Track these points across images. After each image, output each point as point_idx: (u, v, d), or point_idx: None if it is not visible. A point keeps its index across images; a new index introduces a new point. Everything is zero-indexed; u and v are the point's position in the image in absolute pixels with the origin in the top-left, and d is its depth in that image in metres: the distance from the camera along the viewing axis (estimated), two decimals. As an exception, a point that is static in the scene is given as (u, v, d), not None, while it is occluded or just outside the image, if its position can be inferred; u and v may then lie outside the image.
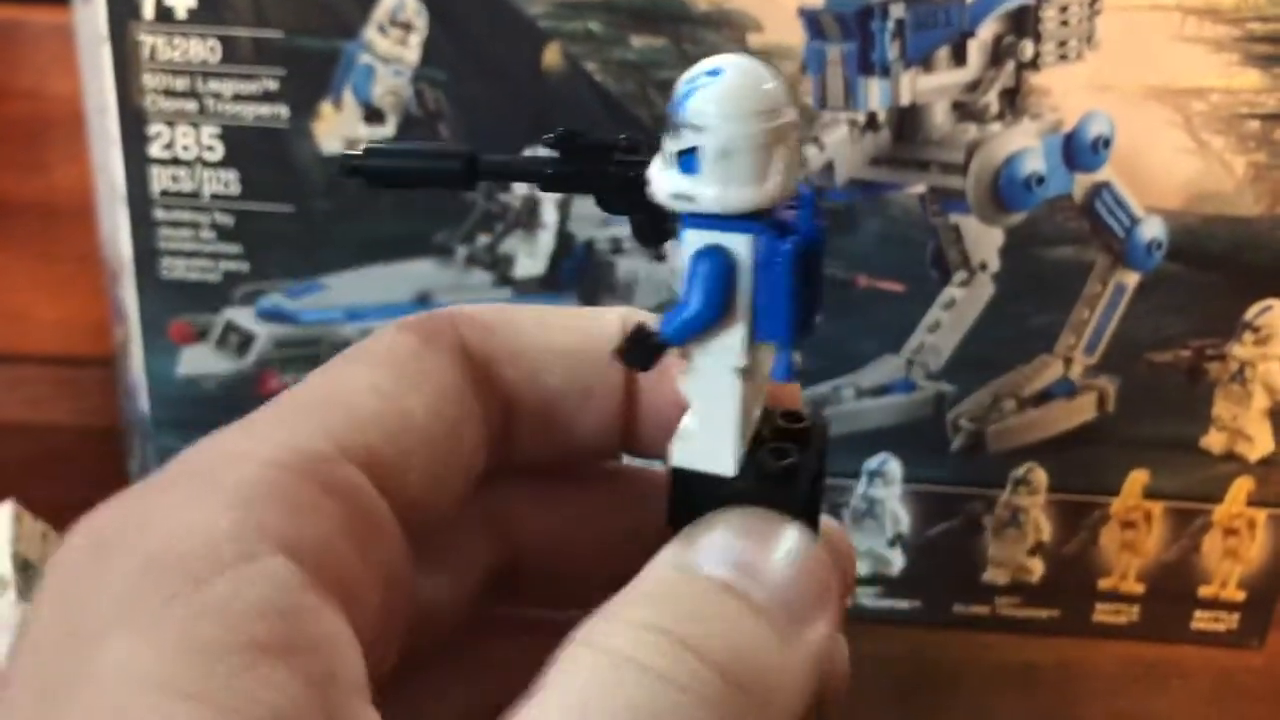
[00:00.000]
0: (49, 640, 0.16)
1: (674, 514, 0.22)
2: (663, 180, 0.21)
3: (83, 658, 0.15)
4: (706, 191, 0.20)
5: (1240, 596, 0.46)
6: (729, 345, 0.21)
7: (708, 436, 0.22)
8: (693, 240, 0.21)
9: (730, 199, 0.20)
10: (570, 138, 0.22)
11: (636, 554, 0.20)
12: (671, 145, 0.20)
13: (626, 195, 0.22)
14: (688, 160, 0.20)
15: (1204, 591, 0.46)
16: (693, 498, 0.22)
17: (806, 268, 0.20)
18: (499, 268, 0.43)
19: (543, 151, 0.23)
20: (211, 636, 0.15)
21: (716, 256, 0.21)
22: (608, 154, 0.22)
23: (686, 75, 0.21)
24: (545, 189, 0.23)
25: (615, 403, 0.23)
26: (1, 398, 0.60)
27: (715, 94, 0.20)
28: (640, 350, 0.21)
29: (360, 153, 0.23)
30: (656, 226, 0.22)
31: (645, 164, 0.22)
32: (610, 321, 0.23)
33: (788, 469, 0.22)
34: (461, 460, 0.21)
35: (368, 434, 0.19)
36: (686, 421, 0.22)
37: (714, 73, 0.20)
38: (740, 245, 0.21)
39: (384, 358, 0.21)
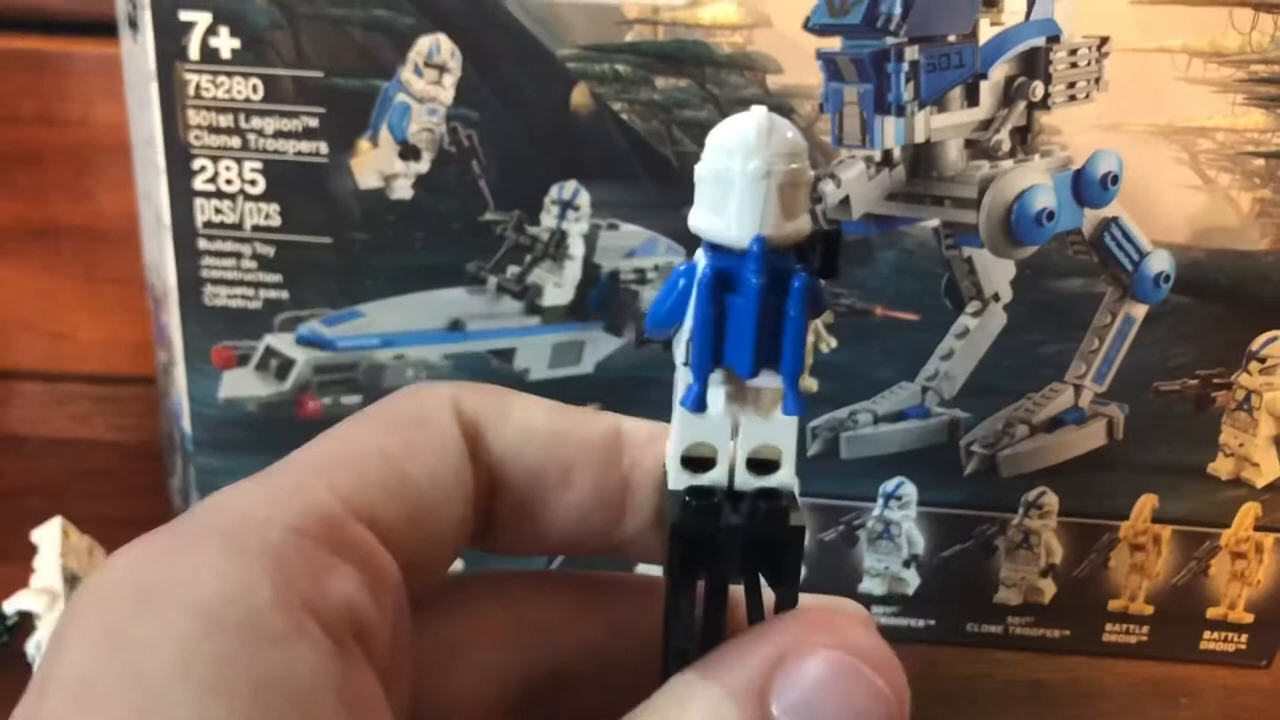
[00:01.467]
0: (105, 676, 0.17)
1: (670, 567, 0.23)
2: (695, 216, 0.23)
3: (148, 706, 0.16)
4: (697, 214, 0.22)
5: (1248, 618, 0.47)
6: (678, 355, 0.23)
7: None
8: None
9: (694, 219, 0.22)
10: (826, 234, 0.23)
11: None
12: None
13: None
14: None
15: (1212, 613, 0.47)
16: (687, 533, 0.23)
17: (727, 305, 0.22)
18: (528, 296, 0.45)
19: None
20: (274, 703, 0.16)
21: (687, 268, 0.22)
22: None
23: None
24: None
25: (598, 486, 0.23)
26: (46, 414, 0.63)
27: (719, 125, 0.22)
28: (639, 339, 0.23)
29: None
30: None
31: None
32: (599, 418, 0.24)
33: (780, 511, 0.22)
34: (452, 526, 0.22)
35: (372, 495, 0.20)
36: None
37: (741, 114, 0.22)
38: (701, 265, 0.22)
39: (389, 424, 0.22)
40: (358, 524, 0.20)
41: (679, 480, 0.23)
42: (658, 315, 0.22)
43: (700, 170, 0.22)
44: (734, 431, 0.23)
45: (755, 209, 0.21)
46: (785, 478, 0.24)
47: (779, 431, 0.24)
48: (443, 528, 0.22)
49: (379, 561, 0.20)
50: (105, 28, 0.48)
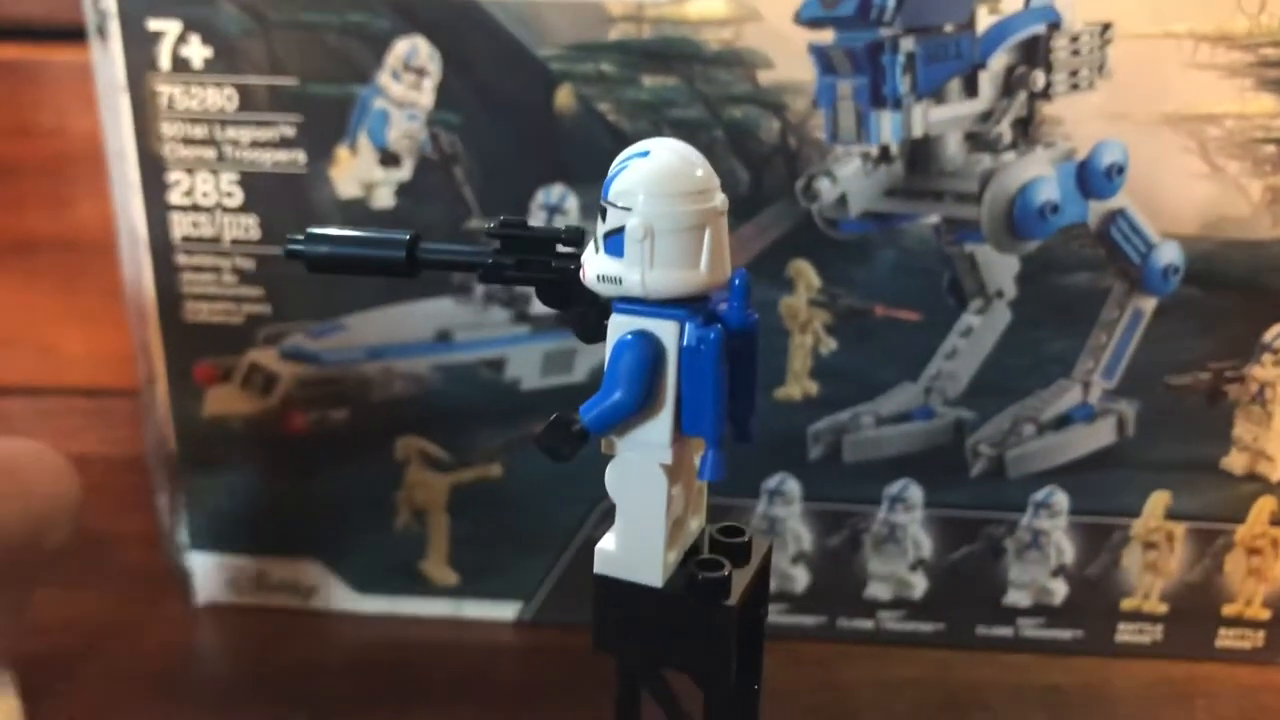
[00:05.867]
0: None
1: (599, 629, 0.21)
2: (591, 264, 0.20)
3: None
4: (631, 274, 0.20)
5: (1265, 614, 0.46)
6: (654, 439, 0.20)
7: (634, 543, 0.20)
8: (619, 325, 0.20)
9: (654, 282, 0.20)
10: (509, 227, 0.22)
11: None
12: (601, 227, 0.20)
13: (564, 289, 0.21)
14: (614, 242, 0.20)
15: (1228, 610, 0.46)
16: (619, 613, 0.21)
17: (736, 359, 0.20)
18: (515, 305, 0.43)
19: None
20: None
21: (641, 342, 0.20)
22: (548, 246, 0.22)
23: (619, 156, 0.20)
24: (484, 280, 0.23)
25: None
26: (33, 429, 0.61)
27: (642, 173, 0.20)
28: (559, 439, 0.20)
29: (302, 238, 0.23)
30: (597, 322, 0.21)
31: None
32: None
33: (717, 582, 0.20)
34: None
35: None
36: (613, 528, 0.21)
37: (643, 154, 0.20)
38: (666, 332, 0.20)
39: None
40: None
41: (671, 566, 0.21)
42: (631, 407, 0.20)
43: (643, 225, 0.19)
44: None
45: (725, 245, 0.20)
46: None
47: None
48: None
49: None
50: (77, 34, 0.46)
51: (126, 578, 0.51)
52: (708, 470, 0.20)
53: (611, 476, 0.21)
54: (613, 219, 0.20)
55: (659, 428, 0.20)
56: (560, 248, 0.22)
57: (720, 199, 0.20)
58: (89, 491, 0.58)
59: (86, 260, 0.58)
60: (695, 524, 0.22)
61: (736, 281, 0.20)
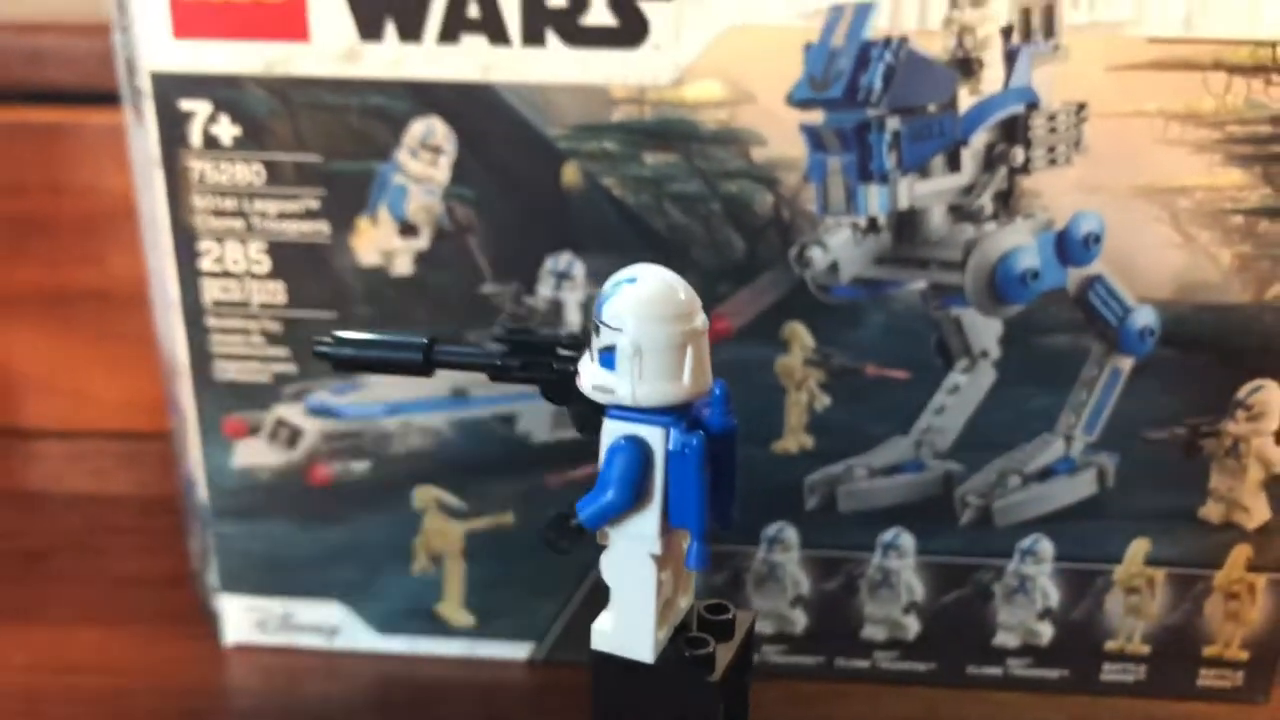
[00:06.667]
0: None
1: (597, 704, 0.23)
2: (588, 374, 0.23)
3: None
4: (622, 386, 0.22)
5: (1244, 655, 0.48)
6: (644, 531, 0.23)
7: (627, 622, 0.23)
8: (611, 430, 0.23)
9: (643, 394, 0.22)
10: (516, 334, 0.25)
11: None
12: (596, 343, 0.23)
13: (564, 388, 0.24)
14: (607, 357, 0.22)
15: (1208, 651, 0.48)
16: (614, 686, 0.23)
17: (717, 458, 0.22)
18: (528, 364, 0.46)
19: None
20: None
21: (632, 447, 0.22)
22: (551, 350, 0.24)
23: (610, 280, 0.23)
24: (493, 379, 0.25)
25: None
26: (67, 470, 0.64)
27: (632, 299, 0.22)
28: (560, 534, 0.23)
29: (330, 340, 0.25)
30: (591, 419, 0.24)
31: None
32: None
33: (703, 658, 0.23)
34: None
35: None
36: (608, 608, 0.23)
37: (631, 280, 0.23)
38: (654, 436, 0.22)
39: None
40: None
41: (662, 642, 0.23)
42: (623, 505, 0.23)
43: (632, 343, 0.22)
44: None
45: (706, 359, 0.22)
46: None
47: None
48: None
49: None
50: (110, 98, 0.49)
51: (156, 617, 0.54)
52: (693, 560, 0.22)
53: (606, 563, 0.23)
54: (606, 337, 0.22)
55: (648, 522, 0.23)
56: (561, 351, 0.25)
57: (701, 319, 0.22)
58: (119, 534, 0.61)
59: (119, 310, 0.61)
60: (684, 602, 0.24)
61: (717, 391, 0.22)
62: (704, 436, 0.22)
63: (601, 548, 0.24)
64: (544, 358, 0.25)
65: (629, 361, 0.22)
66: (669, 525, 0.23)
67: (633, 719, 0.23)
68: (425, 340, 0.25)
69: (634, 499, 0.23)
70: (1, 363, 0.63)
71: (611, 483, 0.23)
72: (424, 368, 0.26)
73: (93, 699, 0.49)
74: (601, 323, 0.22)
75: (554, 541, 0.23)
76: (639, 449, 0.23)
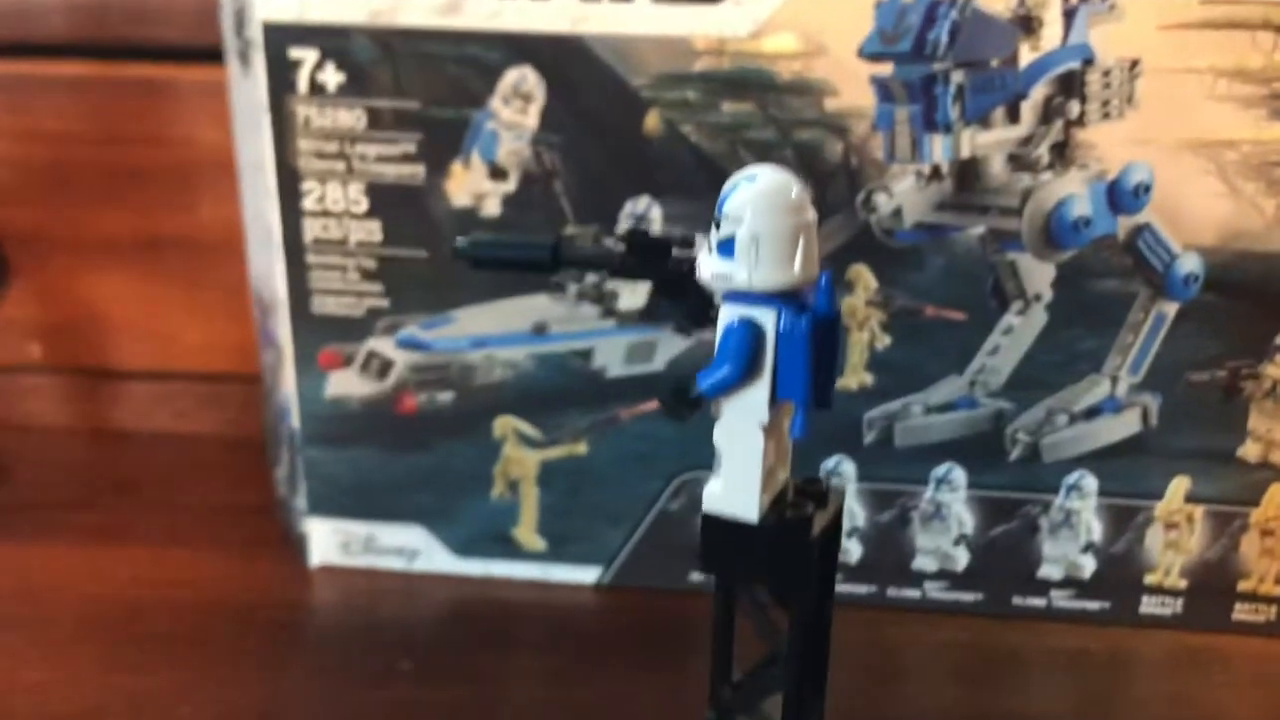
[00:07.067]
0: None
1: (706, 555, 0.26)
2: (706, 264, 0.26)
3: None
4: (740, 272, 0.25)
5: (1278, 590, 0.50)
6: (755, 403, 0.25)
7: (734, 486, 0.26)
8: (728, 313, 0.25)
9: (759, 279, 0.25)
10: (636, 235, 0.27)
11: None
12: (714, 236, 0.25)
13: (680, 283, 0.27)
14: (726, 247, 0.25)
15: (1243, 586, 0.50)
16: (721, 542, 0.26)
17: (820, 340, 0.25)
18: (605, 302, 0.49)
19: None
20: None
21: (747, 327, 0.25)
22: (667, 249, 0.27)
23: (729, 180, 0.26)
24: (614, 276, 0.28)
25: None
26: (152, 410, 0.68)
27: (751, 192, 0.25)
28: (680, 403, 0.25)
29: (468, 242, 0.28)
30: (703, 311, 0.26)
31: (695, 258, 0.27)
32: None
33: (804, 519, 0.26)
34: None
35: None
36: (717, 473, 0.26)
37: (750, 179, 0.25)
38: (767, 318, 0.25)
39: None
40: None
41: (764, 506, 0.26)
42: (738, 378, 0.25)
43: (750, 233, 0.24)
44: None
45: (814, 249, 0.25)
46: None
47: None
48: None
49: None
50: (209, 55, 0.52)
51: (243, 542, 0.57)
52: (797, 428, 0.25)
53: (719, 432, 0.26)
54: (726, 228, 0.25)
55: (759, 394, 0.25)
56: (676, 250, 0.27)
57: (811, 213, 0.25)
58: (204, 469, 0.64)
59: (208, 258, 0.64)
60: (783, 474, 0.27)
61: (823, 280, 0.25)
62: (810, 318, 0.25)
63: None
64: (661, 255, 0.27)
65: (747, 249, 0.25)
66: (776, 399, 0.25)
67: (737, 574, 0.26)
68: (553, 240, 0.28)
69: (747, 373, 0.25)
70: (94, 306, 0.66)
71: (728, 358, 0.25)
72: (552, 265, 0.28)
73: (189, 610, 0.52)
74: (723, 216, 0.25)
75: (674, 408, 0.25)
76: (753, 329, 0.25)
